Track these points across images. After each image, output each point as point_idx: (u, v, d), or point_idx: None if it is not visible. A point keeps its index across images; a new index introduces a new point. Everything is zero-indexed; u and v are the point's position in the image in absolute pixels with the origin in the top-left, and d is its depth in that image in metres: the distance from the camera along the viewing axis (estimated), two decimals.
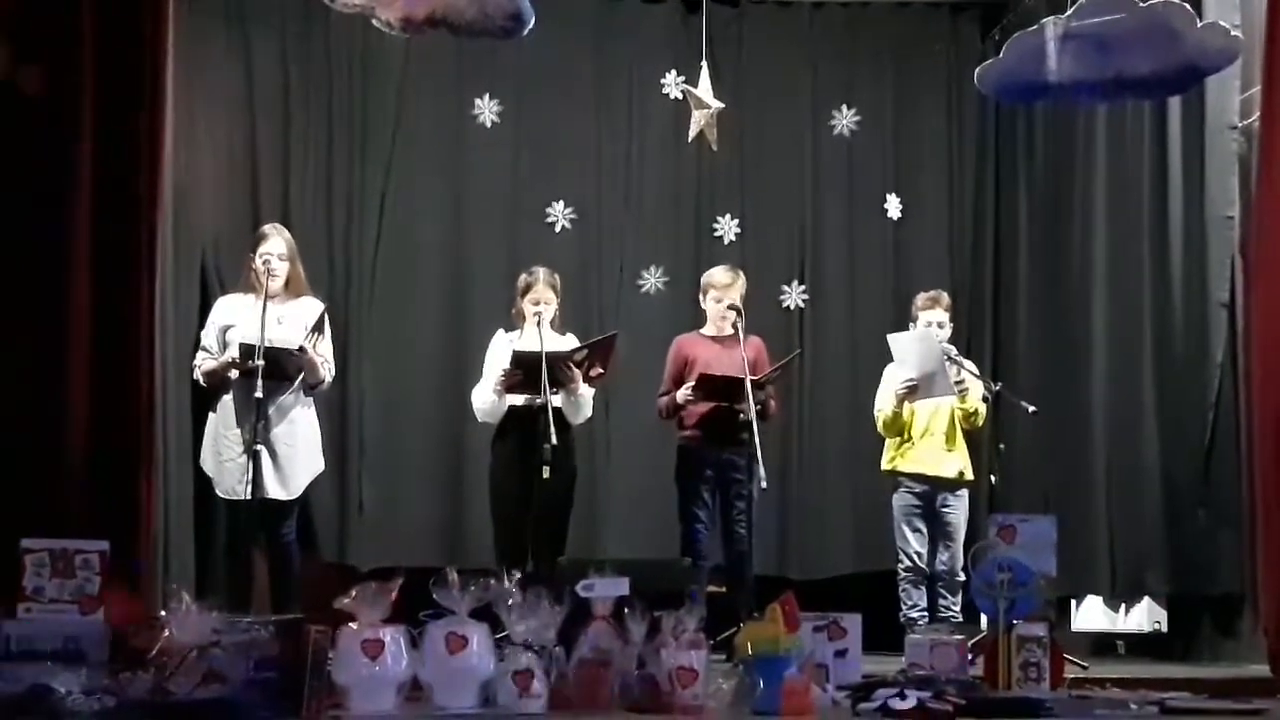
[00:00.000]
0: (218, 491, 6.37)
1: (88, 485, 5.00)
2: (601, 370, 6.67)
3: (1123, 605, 7.28)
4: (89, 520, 4.79)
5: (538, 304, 6.64)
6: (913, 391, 6.91)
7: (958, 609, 6.88)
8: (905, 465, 7.06)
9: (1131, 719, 4.30)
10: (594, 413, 6.94)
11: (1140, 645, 7.23)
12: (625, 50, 8.43)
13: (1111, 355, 7.42)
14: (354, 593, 3.95)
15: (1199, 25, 6.19)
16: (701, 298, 7.07)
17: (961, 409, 6.99)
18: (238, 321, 6.30)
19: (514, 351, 6.49)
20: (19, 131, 5.05)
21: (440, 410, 7.89)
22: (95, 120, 5.11)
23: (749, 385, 6.48)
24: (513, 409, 6.60)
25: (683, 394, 6.81)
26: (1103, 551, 7.26)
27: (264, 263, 6.31)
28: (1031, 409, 6.84)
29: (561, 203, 8.26)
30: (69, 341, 5.03)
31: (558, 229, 8.26)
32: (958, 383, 6.90)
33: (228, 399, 6.27)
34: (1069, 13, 6.33)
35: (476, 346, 7.11)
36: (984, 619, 5.03)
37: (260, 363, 6.02)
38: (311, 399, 6.42)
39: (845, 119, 8.50)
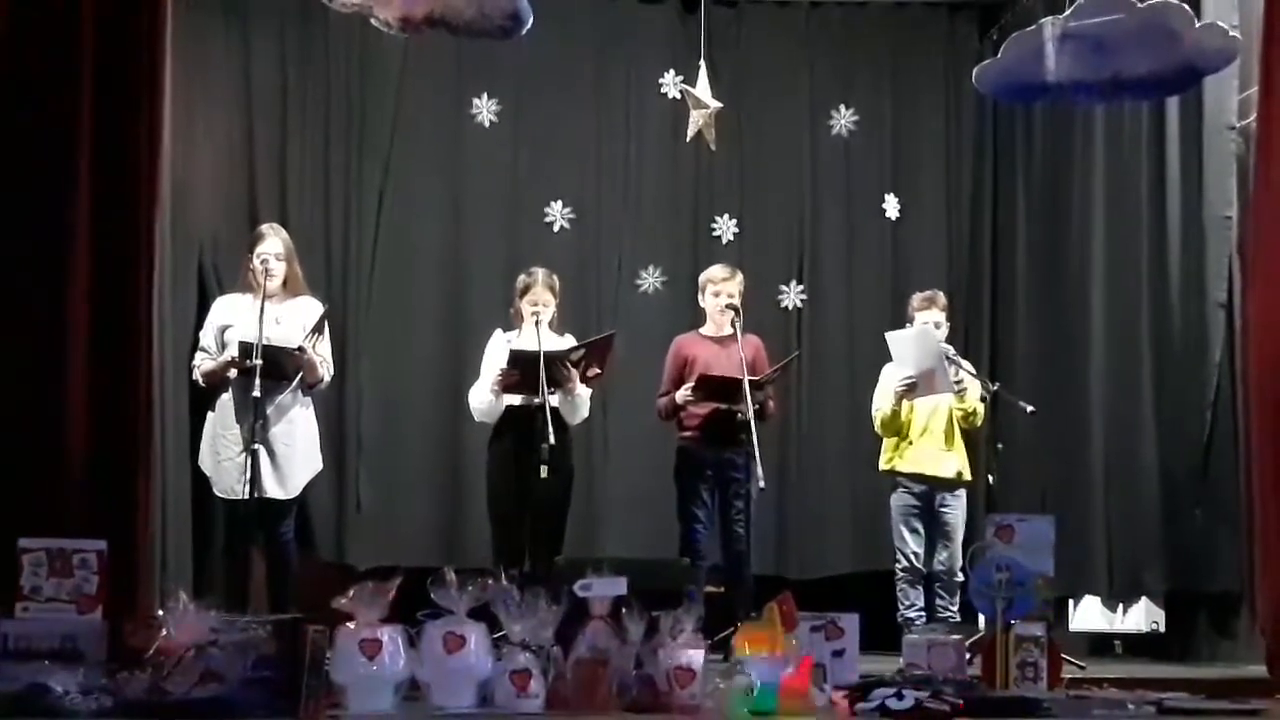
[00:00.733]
0: (216, 491, 6.37)
1: (86, 484, 4.97)
2: (599, 370, 6.67)
3: (1120, 605, 7.28)
4: (87, 519, 4.77)
5: (536, 305, 6.64)
6: (912, 389, 6.89)
7: (955, 609, 6.88)
8: (903, 465, 7.04)
9: (1129, 719, 4.30)
10: (592, 412, 6.96)
11: (1138, 645, 7.24)
12: (624, 50, 8.43)
13: (1109, 355, 7.42)
14: (352, 592, 3.94)
15: (1197, 25, 6.20)
16: (700, 295, 7.07)
17: (960, 409, 6.98)
18: (236, 321, 6.30)
19: (511, 351, 6.49)
20: (18, 131, 5.04)
21: (438, 410, 7.90)
22: (93, 119, 5.10)
23: (747, 386, 6.48)
24: (510, 409, 6.60)
25: (682, 394, 6.81)
26: (1100, 551, 7.27)
27: (262, 262, 6.31)
28: (1030, 409, 6.82)
29: (560, 202, 8.26)
30: (67, 341, 5.00)
31: (556, 229, 8.26)
32: (956, 382, 6.90)
33: (226, 398, 6.27)
34: (1067, 13, 6.34)
35: (474, 346, 7.11)
36: (982, 619, 5.05)
37: (258, 362, 6.03)
38: (310, 398, 6.42)
39: (843, 119, 8.50)
